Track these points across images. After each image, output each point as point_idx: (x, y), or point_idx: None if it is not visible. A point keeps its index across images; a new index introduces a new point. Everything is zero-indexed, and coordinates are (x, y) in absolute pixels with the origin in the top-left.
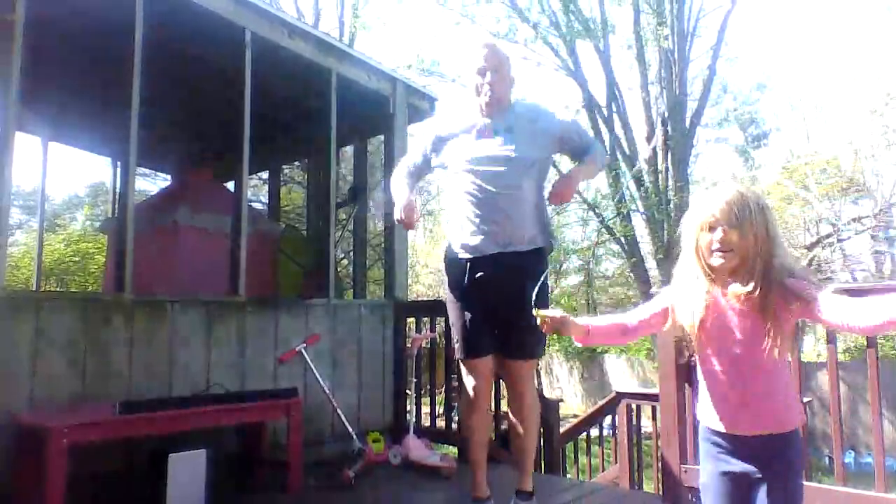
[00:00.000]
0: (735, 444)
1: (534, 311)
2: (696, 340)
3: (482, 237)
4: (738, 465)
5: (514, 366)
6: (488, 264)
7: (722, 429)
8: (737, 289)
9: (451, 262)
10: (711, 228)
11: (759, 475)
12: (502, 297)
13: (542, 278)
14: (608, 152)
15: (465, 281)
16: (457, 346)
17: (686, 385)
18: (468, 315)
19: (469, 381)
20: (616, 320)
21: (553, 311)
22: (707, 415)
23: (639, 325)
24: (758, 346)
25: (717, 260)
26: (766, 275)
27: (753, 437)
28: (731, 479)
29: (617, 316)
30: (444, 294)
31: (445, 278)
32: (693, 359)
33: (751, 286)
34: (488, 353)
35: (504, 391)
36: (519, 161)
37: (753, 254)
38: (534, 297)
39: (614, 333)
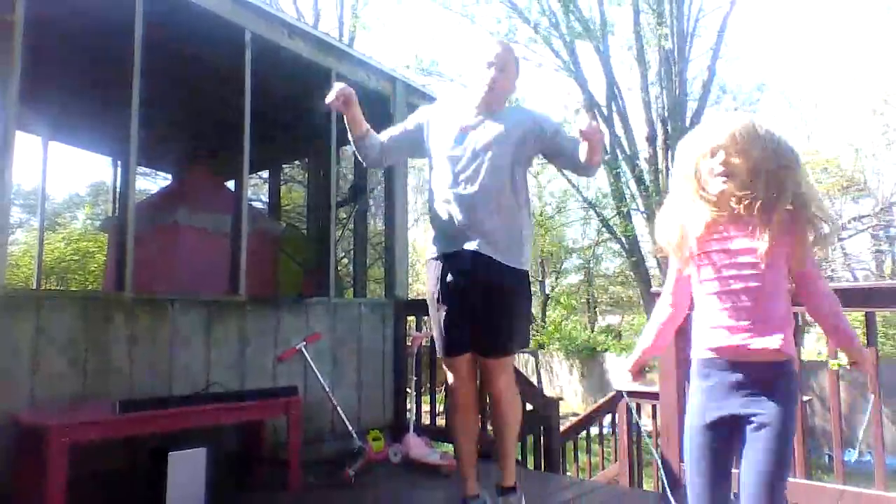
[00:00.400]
0: (731, 373)
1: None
2: (694, 262)
3: (458, 232)
4: (729, 405)
5: (488, 364)
6: (465, 261)
7: (714, 357)
8: (733, 189)
9: (429, 258)
10: (713, 154)
11: (752, 413)
12: (477, 295)
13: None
14: (608, 151)
15: (442, 277)
16: (436, 344)
17: (686, 383)
18: (443, 312)
19: (450, 380)
20: (661, 319)
21: (632, 366)
22: (703, 342)
23: (678, 301)
24: (757, 266)
25: (716, 185)
26: (776, 201)
27: (751, 363)
28: (717, 427)
29: (657, 316)
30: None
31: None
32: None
33: (750, 206)
34: (466, 350)
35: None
36: (499, 159)
37: (760, 182)
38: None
39: (670, 329)
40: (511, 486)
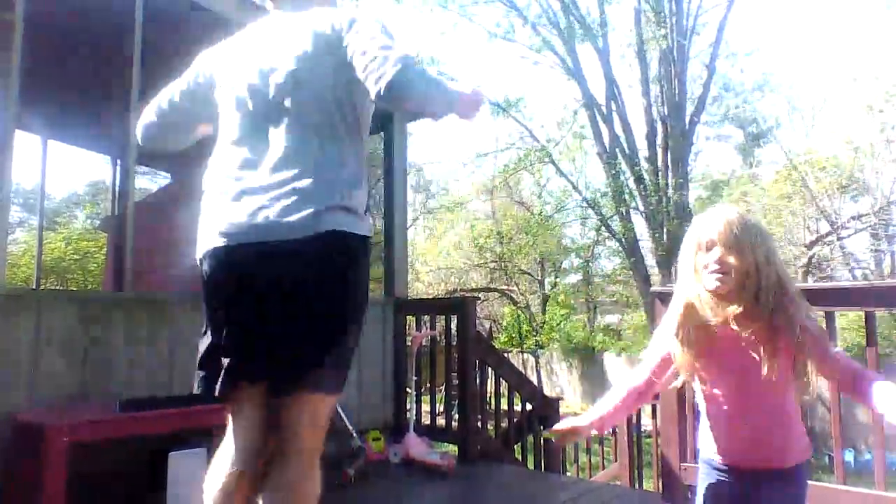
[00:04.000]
0: (736, 477)
1: (542, 433)
2: (696, 371)
3: (237, 205)
4: (738, 497)
5: (284, 405)
6: (246, 258)
7: (722, 462)
8: (734, 309)
9: (200, 249)
10: (709, 248)
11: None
12: (268, 309)
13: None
14: (606, 150)
15: (213, 280)
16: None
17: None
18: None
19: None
20: (622, 392)
21: (561, 426)
22: (708, 447)
23: (648, 383)
24: (759, 376)
25: (712, 281)
26: (772, 303)
27: (755, 471)
28: (728, 499)
29: (619, 388)
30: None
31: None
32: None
33: (747, 309)
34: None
35: (504, 387)
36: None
37: (754, 279)
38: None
39: (629, 404)
40: None
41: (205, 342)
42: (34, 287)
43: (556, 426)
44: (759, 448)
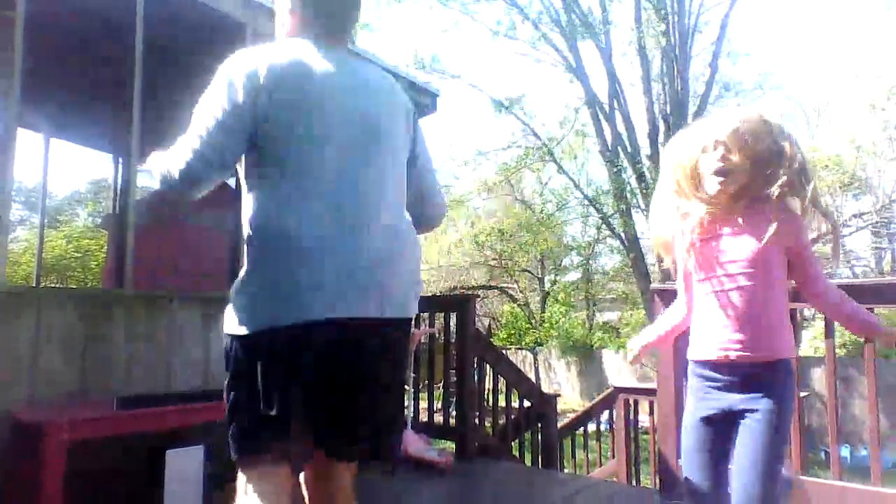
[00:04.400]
0: (725, 375)
1: (629, 345)
2: (690, 264)
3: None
4: (724, 400)
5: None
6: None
7: (713, 356)
8: (728, 189)
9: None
10: (714, 148)
11: (747, 408)
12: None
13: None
14: (609, 148)
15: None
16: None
17: (683, 380)
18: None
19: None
20: (674, 320)
21: (635, 346)
22: (699, 345)
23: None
24: (752, 267)
25: (712, 184)
26: (775, 201)
27: (745, 364)
28: (713, 423)
29: (671, 315)
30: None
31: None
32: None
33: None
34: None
35: (502, 384)
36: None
37: (761, 180)
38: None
39: (680, 328)
40: None
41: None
42: (35, 285)
43: (633, 348)
44: (750, 339)
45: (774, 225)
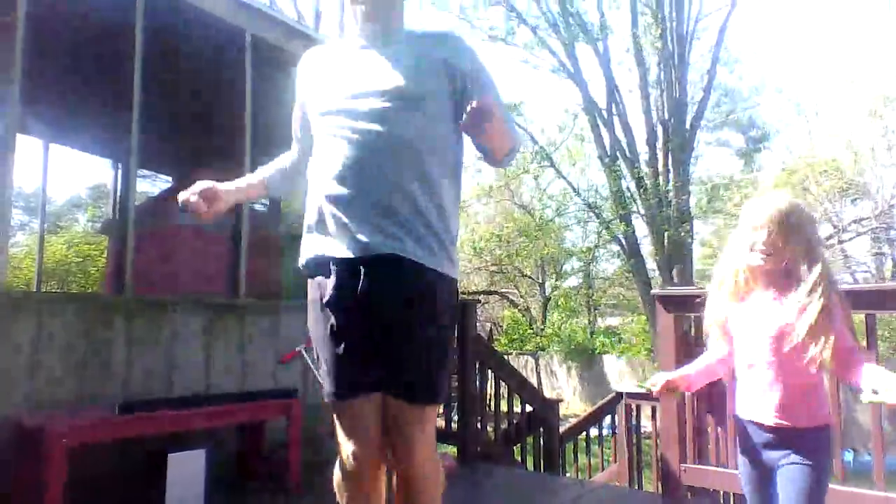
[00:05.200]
0: (768, 435)
1: (637, 384)
2: (733, 333)
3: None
4: (769, 454)
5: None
6: (355, 274)
7: (757, 419)
8: (769, 267)
9: (308, 264)
10: (759, 229)
11: (787, 459)
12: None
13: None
14: (608, 153)
15: (329, 295)
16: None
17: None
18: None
19: (345, 443)
20: (707, 358)
21: (657, 382)
22: (742, 405)
23: (724, 349)
24: (786, 338)
25: (755, 259)
26: (813, 280)
27: (783, 427)
28: (762, 467)
29: (705, 355)
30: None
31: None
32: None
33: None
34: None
35: (504, 389)
36: (408, 99)
37: (795, 260)
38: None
39: (713, 368)
40: None
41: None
42: (35, 290)
43: (654, 383)
44: (789, 406)
45: (814, 310)
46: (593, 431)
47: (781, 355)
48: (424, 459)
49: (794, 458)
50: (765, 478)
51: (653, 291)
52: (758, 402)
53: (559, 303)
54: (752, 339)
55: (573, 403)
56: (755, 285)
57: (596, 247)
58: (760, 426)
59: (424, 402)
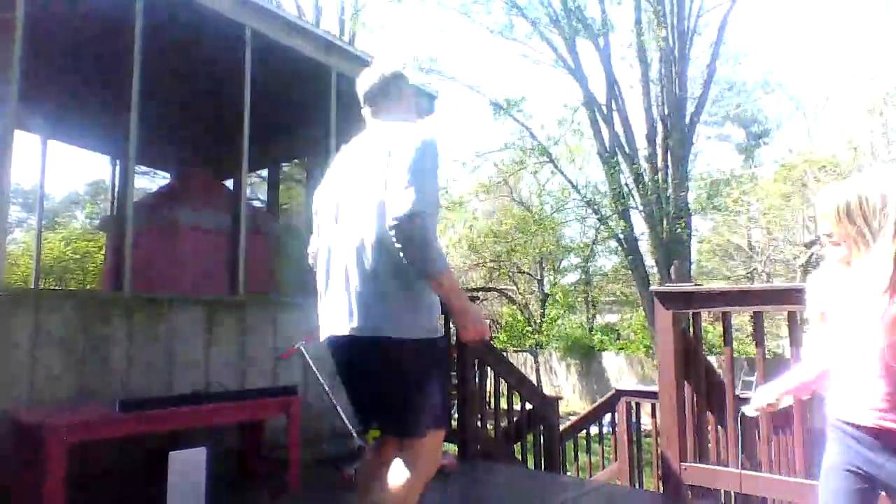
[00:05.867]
0: (859, 435)
1: (761, 398)
2: (830, 326)
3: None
4: (864, 463)
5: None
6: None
7: (846, 417)
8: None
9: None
10: (821, 220)
11: (878, 478)
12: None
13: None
14: (607, 149)
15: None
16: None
17: (685, 383)
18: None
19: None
20: (807, 377)
21: (756, 406)
22: (835, 405)
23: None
24: (880, 333)
25: (825, 249)
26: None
27: (874, 428)
28: (852, 476)
29: (805, 364)
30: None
31: None
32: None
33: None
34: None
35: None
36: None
37: (859, 244)
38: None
39: (812, 385)
40: None
41: None
42: (33, 287)
43: (752, 407)
44: (876, 402)
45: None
46: (593, 429)
47: (866, 345)
48: (396, 474)
49: (885, 485)
50: (858, 480)
51: (651, 288)
52: (847, 402)
53: (558, 299)
54: (850, 328)
55: (573, 401)
56: (850, 273)
57: (594, 243)
58: (849, 425)
59: (397, 435)
